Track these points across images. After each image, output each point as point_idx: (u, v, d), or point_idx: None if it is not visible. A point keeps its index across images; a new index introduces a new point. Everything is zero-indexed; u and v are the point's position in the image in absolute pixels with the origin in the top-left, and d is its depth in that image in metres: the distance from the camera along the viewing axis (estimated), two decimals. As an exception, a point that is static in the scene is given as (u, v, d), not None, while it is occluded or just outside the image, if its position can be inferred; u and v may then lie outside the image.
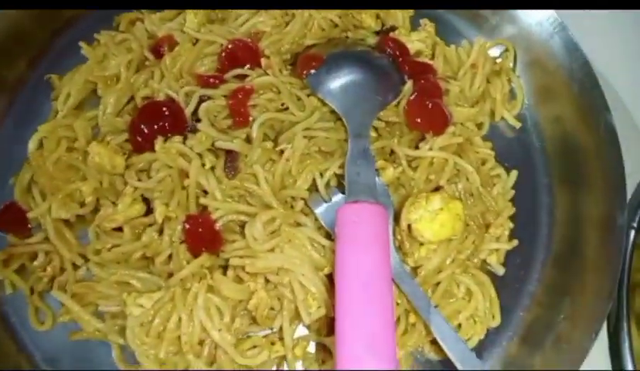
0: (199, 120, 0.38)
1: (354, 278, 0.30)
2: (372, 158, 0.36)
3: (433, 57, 0.45)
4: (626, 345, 0.35)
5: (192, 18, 0.44)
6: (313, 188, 0.37)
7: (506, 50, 0.47)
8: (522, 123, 0.45)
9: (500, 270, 0.39)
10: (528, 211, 0.41)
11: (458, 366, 0.33)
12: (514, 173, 0.42)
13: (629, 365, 0.35)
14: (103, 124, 0.40)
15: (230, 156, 0.37)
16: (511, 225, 0.39)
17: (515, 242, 0.39)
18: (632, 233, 0.37)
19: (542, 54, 0.45)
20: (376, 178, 0.36)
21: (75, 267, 0.37)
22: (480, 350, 0.36)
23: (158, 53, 0.42)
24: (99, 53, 0.42)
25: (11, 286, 0.37)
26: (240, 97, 0.38)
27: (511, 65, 0.46)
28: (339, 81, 0.39)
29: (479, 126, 0.44)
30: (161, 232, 0.36)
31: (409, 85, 0.40)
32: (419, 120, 0.40)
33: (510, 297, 0.38)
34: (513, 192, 0.41)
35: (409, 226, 0.35)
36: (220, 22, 0.44)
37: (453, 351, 0.33)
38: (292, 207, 0.37)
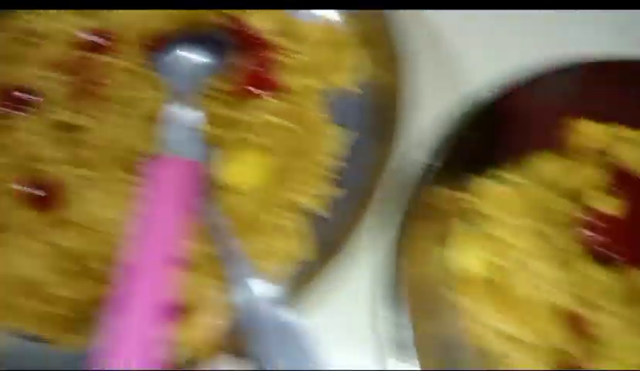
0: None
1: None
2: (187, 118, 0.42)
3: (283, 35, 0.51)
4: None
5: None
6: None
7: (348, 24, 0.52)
8: (360, 89, 0.50)
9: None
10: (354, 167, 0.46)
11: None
12: (344, 132, 0.48)
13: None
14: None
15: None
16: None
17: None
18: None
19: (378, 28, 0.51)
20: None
21: None
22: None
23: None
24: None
25: None
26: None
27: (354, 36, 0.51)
28: (172, 57, 0.46)
29: (319, 93, 0.50)
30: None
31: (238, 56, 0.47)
32: (251, 85, 0.46)
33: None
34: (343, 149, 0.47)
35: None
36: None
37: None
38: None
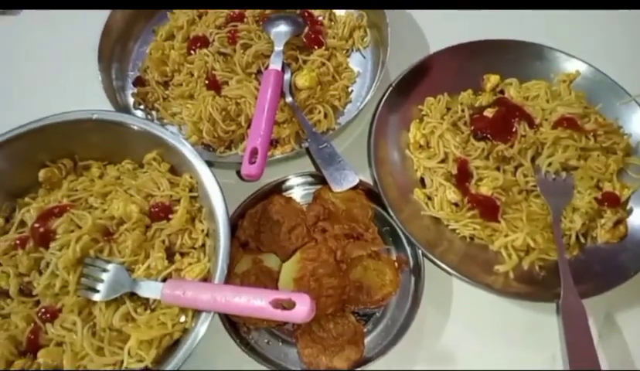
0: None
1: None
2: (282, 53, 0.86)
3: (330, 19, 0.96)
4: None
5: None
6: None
7: (361, 15, 0.96)
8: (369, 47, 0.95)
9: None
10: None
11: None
12: (356, 71, 0.91)
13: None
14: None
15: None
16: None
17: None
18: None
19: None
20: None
21: None
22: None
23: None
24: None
25: None
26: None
27: (365, 23, 0.96)
28: (274, 26, 0.91)
29: (347, 52, 0.94)
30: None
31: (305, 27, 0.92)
32: (310, 43, 0.91)
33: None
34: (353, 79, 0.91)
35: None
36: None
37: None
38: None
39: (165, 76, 0.91)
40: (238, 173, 0.83)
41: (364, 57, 0.94)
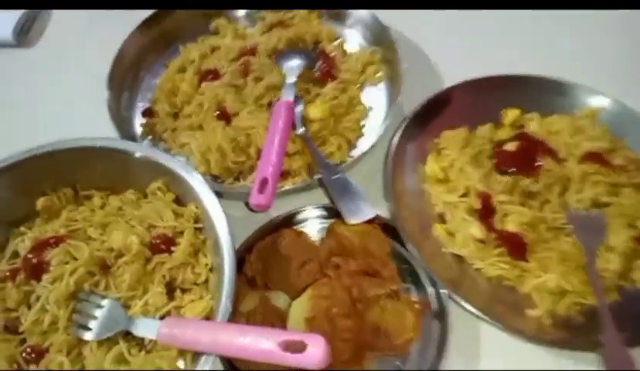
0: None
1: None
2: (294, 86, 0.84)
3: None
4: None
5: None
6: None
7: (375, 51, 0.95)
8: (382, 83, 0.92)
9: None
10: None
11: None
12: (368, 106, 0.89)
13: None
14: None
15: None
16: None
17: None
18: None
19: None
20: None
21: None
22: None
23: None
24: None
25: None
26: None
27: (377, 59, 0.94)
28: (286, 60, 0.89)
29: (360, 87, 0.92)
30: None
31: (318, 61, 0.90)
32: (323, 76, 0.89)
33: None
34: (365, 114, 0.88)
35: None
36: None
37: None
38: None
39: (174, 108, 0.89)
40: (246, 205, 0.78)
41: (377, 91, 0.92)
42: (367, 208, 0.69)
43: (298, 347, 0.52)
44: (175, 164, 0.74)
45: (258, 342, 0.54)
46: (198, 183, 0.72)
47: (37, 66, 1.02)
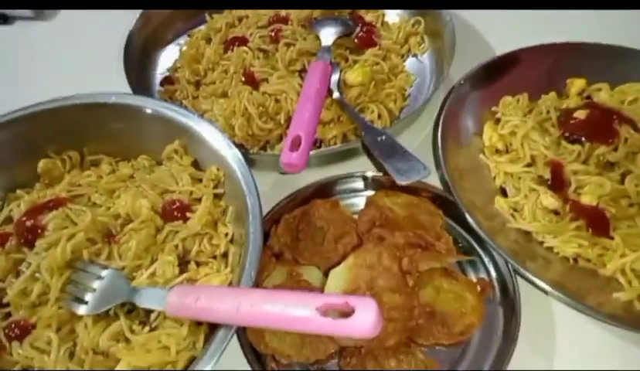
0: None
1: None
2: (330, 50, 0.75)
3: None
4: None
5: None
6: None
7: (418, 22, 0.86)
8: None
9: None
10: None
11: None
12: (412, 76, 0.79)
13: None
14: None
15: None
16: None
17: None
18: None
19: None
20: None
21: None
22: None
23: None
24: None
25: None
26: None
27: (421, 30, 0.86)
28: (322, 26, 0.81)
29: (402, 57, 0.83)
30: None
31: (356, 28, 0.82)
32: (361, 44, 0.80)
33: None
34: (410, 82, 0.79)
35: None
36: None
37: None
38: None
39: (197, 75, 0.81)
40: (274, 175, 0.69)
41: (421, 63, 0.82)
42: (420, 167, 0.58)
43: (342, 313, 0.40)
44: (195, 121, 0.65)
45: (291, 308, 0.42)
46: (220, 143, 0.63)
47: (54, 38, 0.96)
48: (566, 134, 0.66)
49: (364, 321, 0.39)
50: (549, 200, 0.59)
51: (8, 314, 0.56)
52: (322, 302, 0.41)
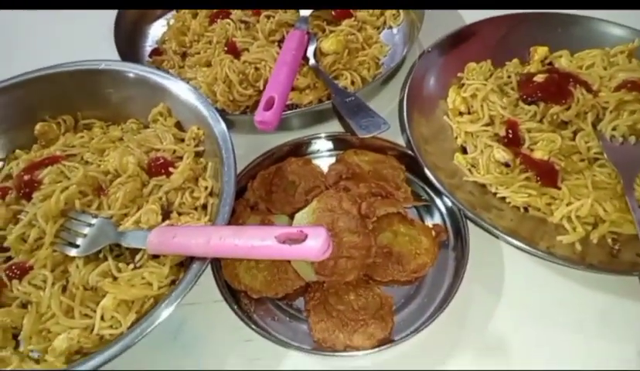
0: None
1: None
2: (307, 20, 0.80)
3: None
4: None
5: None
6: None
7: None
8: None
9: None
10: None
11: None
12: (386, 47, 0.84)
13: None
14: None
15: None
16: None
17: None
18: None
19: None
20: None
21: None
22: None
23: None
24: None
25: None
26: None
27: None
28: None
29: (378, 29, 0.87)
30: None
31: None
32: (338, 15, 0.85)
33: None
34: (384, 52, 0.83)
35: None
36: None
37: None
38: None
39: (183, 46, 0.86)
40: (251, 136, 0.74)
41: (396, 34, 0.87)
42: (381, 122, 0.63)
43: (298, 240, 0.46)
44: (177, 84, 0.70)
45: (254, 239, 0.48)
46: (201, 105, 0.68)
47: (51, 15, 1.01)
48: (524, 96, 0.71)
49: (314, 244, 0.45)
50: (501, 154, 0.64)
51: (9, 258, 0.62)
52: (280, 232, 0.47)
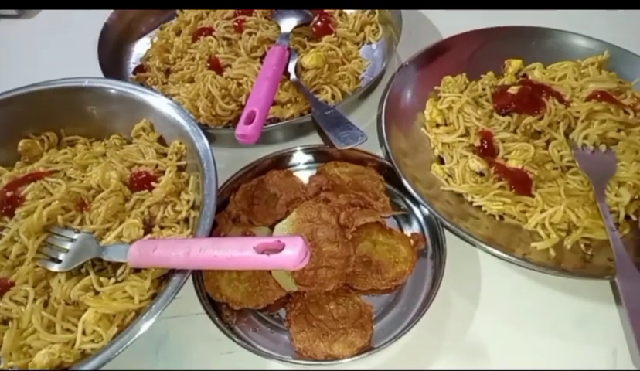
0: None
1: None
2: (288, 36, 0.82)
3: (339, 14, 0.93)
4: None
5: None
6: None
7: (373, 12, 0.93)
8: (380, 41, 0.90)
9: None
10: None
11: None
12: (365, 61, 0.86)
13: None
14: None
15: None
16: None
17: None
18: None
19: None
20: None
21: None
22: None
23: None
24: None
25: None
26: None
27: (376, 19, 0.92)
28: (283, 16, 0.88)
29: (358, 45, 0.90)
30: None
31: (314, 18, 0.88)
32: (319, 32, 0.87)
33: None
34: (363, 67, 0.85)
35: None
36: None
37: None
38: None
39: (166, 63, 0.88)
40: (233, 150, 0.75)
41: (375, 50, 0.89)
42: (359, 134, 0.65)
43: (276, 250, 0.47)
44: (160, 101, 0.71)
45: (232, 250, 0.49)
46: (183, 119, 0.69)
47: (36, 34, 1.03)
48: (499, 108, 0.73)
49: (292, 253, 0.45)
50: (476, 163, 0.66)
51: (-9, 277, 0.62)
52: (258, 243, 0.48)
